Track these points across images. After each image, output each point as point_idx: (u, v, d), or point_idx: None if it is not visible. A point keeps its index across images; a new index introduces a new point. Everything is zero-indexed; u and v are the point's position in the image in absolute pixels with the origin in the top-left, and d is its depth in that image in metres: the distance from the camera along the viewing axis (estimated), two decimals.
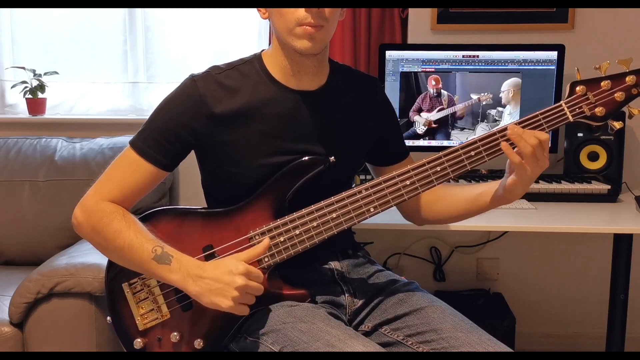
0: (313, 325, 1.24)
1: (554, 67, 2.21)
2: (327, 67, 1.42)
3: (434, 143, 2.27)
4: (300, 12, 1.25)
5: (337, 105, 1.42)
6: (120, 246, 1.29)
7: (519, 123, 1.28)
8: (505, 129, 1.28)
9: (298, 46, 1.28)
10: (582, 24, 2.38)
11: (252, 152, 1.34)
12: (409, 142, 2.25)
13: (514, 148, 1.27)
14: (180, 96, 1.35)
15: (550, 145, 2.18)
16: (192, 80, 1.35)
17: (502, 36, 2.38)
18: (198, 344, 1.33)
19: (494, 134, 1.29)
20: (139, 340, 1.35)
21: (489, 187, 1.39)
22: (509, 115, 2.23)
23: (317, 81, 1.39)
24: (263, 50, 1.42)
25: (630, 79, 1.30)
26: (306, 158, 1.34)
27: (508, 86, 2.22)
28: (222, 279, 1.22)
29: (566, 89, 1.32)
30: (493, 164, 1.35)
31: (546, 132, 1.29)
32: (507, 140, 1.27)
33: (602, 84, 1.30)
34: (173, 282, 1.27)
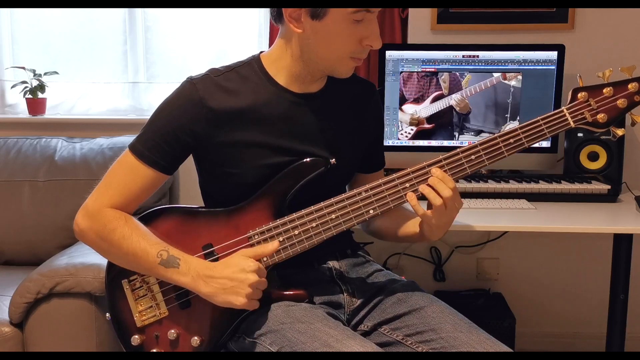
0: (311, 326, 1.24)
1: (554, 67, 2.21)
2: None
3: (434, 143, 2.25)
4: (358, 47, 1.29)
5: (336, 108, 1.42)
6: (125, 252, 1.31)
7: (521, 128, 1.29)
8: (504, 134, 1.29)
9: (341, 73, 1.34)
10: (582, 24, 2.38)
11: (251, 153, 1.34)
12: (409, 142, 2.24)
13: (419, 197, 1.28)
14: (179, 99, 1.35)
15: (550, 145, 2.22)
16: (191, 82, 1.34)
17: (502, 36, 2.38)
18: (195, 341, 1.33)
19: (495, 138, 1.30)
20: (136, 337, 1.36)
21: (416, 220, 1.41)
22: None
23: (318, 84, 1.40)
24: (262, 52, 1.42)
25: (632, 86, 1.30)
26: (308, 159, 1.34)
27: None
28: (235, 277, 1.24)
29: (568, 95, 1.33)
30: (493, 164, 1.35)
31: (547, 137, 1.29)
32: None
33: (604, 90, 1.31)
34: (183, 284, 1.29)
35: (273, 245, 1.30)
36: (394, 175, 1.31)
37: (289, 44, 1.34)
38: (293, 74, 1.36)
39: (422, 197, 1.29)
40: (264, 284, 1.28)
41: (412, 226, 1.42)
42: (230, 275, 1.25)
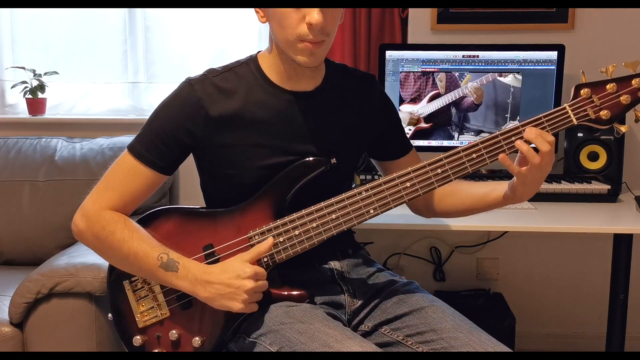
0: (311, 326, 1.24)
1: (554, 67, 2.21)
2: (323, 68, 1.42)
3: (434, 143, 2.25)
4: (302, 28, 1.25)
5: (334, 105, 1.42)
6: (125, 255, 1.31)
7: (523, 126, 1.28)
8: (507, 132, 1.28)
9: (298, 60, 1.29)
10: (582, 24, 2.38)
11: (250, 154, 1.34)
12: None
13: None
14: (177, 99, 1.35)
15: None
16: (189, 83, 1.35)
17: (502, 36, 2.38)
18: (196, 342, 1.33)
19: (497, 136, 1.29)
20: (138, 337, 1.36)
21: (498, 187, 1.39)
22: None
23: (313, 83, 1.40)
24: (259, 51, 1.42)
25: (636, 82, 1.28)
26: (310, 159, 1.34)
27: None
28: (231, 283, 1.24)
29: (571, 92, 1.31)
30: (493, 164, 1.35)
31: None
32: (520, 138, 1.26)
33: (607, 86, 1.28)
34: (181, 288, 1.30)
35: (268, 242, 1.30)
36: (395, 175, 1.30)
37: (271, 39, 1.35)
38: (280, 70, 1.36)
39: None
40: (263, 287, 1.28)
41: (494, 193, 1.39)
42: (226, 282, 1.25)
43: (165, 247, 1.31)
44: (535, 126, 1.27)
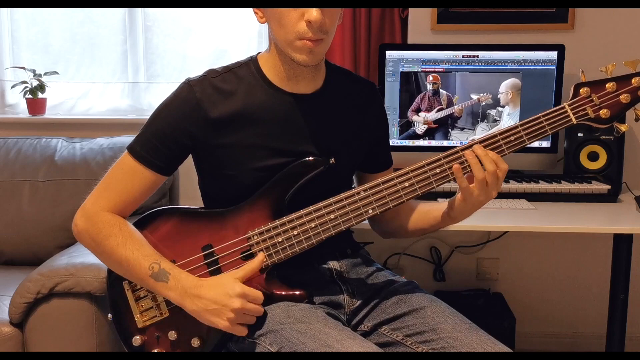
0: (311, 326, 1.24)
1: (554, 67, 2.21)
2: (324, 70, 1.42)
3: (433, 143, 2.27)
4: (301, 26, 1.25)
5: (334, 108, 1.42)
6: (118, 260, 1.31)
7: (522, 125, 1.28)
8: (504, 131, 1.28)
9: (297, 59, 1.29)
10: (582, 24, 2.38)
11: (249, 155, 1.34)
12: (408, 142, 2.26)
13: (464, 171, 1.27)
14: (176, 101, 1.35)
15: (550, 145, 2.22)
16: (189, 84, 1.35)
17: (502, 36, 2.38)
18: (196, 342, 1.33)
19: (495, 135, 1.29)
20: (137, 337, 1.36)
21: (440, 205, 1.41)
22: (508, 116, 2.23)
23: (314, 85, 1.40)
24: (259, 52, 1.42)
25: (636, 81, 1.27)
26: (309, 159, 1.34)
27: (506, 87, 2.23)
28: (218, 300, 1.24)
29: (570, 91, 1.31)
30: None
31: (548, 134, 1.28)
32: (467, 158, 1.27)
33: (607, 85, 1.28)
34: (170, 298, 1.30)
35: (258, 259, 1.30)
36: (393, 175, 1.30)
37: (270, 40, 1.36)
38: (280, 71, 1.36)
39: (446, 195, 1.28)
40: (255, 311, 1.27)
41: (434, 211, 1.41)
42: (214, 298, 1.25)
43: (159, 255, 1.31)
44: (533, 125, 1.28)
